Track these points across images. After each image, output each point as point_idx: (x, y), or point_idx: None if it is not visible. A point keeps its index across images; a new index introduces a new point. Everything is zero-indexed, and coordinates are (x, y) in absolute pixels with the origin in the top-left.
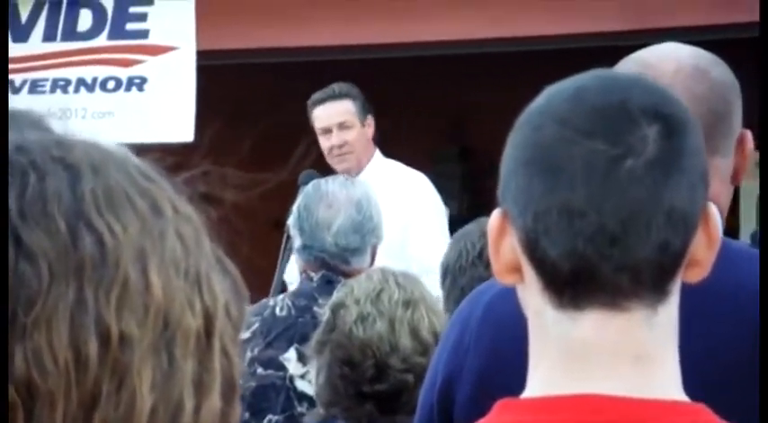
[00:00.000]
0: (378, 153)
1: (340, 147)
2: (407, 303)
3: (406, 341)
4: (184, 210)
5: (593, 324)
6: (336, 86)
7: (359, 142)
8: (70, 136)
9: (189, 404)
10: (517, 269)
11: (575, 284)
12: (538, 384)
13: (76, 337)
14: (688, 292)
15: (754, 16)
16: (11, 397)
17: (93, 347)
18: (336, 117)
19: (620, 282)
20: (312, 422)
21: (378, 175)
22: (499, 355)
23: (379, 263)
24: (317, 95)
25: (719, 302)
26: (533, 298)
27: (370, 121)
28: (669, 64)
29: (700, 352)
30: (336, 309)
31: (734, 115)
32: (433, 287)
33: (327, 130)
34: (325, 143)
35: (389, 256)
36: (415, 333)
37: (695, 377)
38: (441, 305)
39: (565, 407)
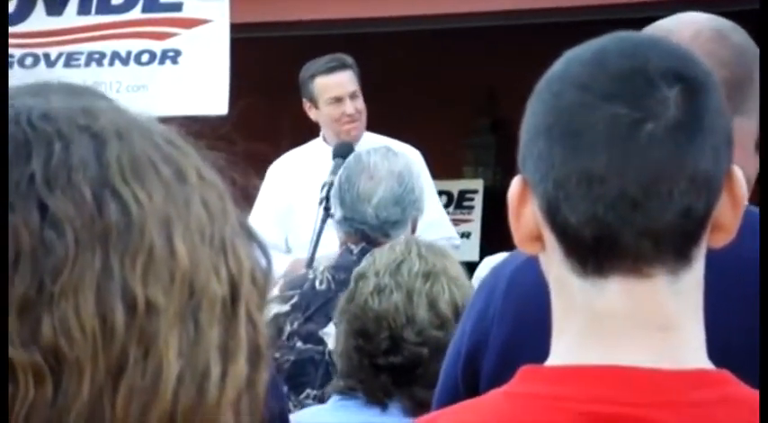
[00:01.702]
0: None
1: (352, 115)
2: (427, 275)
3: (423, 314)
4: (209, 176)
5: (617, 291)
6: (339, 56)
7: (365, 111)
8: (96, 104)
9: (215, 370)
10: (538, 238)
11: (597, 251)
12: (562, 352)
13: (103, 304)
14: (716, 266)
15: None
16: (39, 365)
17: (119, 315)
18: (348, 86)
19: (642, 247)
20: (333, 393)
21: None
22: (524, 325)
23: None
24: (319, 66)
25: (744, 274)
26: (555, 266)
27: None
28: (688, 29)
29: (729, 326)
30: (357, 279)
31: (754, 80)
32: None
33: (339, 99)
34: (334, 112)
35: None
36: (432, 305)
37: (722, 352)
38: (465, 278)
39: (590, 377)
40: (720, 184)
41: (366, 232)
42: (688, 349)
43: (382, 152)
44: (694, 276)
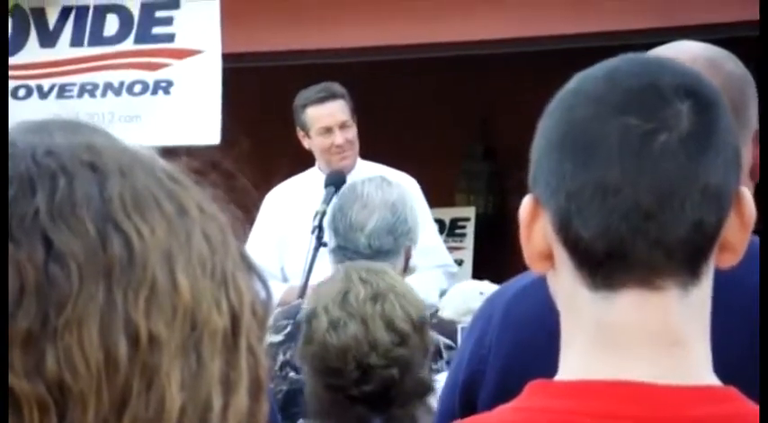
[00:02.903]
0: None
1: (341, 146)
2: (375, 297)
3: (383, 336)
4: (210, 210)
5: (627, 304)
6: (329, 86)
7: (356, 141)
8: (98, 140)
9: (217, 403)
10: (548, 256)
11: (608, 264)
12: (572, 366)
13: (107, 338)
14: (722, 288)
15: None
16: (43, 397)
17: (122, 348)
18: (338, 116)
19: (654, 260)
20: None
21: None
22: (521, 353)
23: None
24: (310, 95)
25: (748, 295)
26: (566, 281)
27: (355, 120)
28: (684, 57)
29: (732, 346)
30: (309, 319)
31: (749, 108)
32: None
33: (329, 130)
34: (324, 142)
35: None
36: (390, 325)
37: (730, 370)
38: (412, 291)
39: (601, 392)
40: (730, 201)
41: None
42: (696, 365)
43: (377, 182)
44: (703, 292)
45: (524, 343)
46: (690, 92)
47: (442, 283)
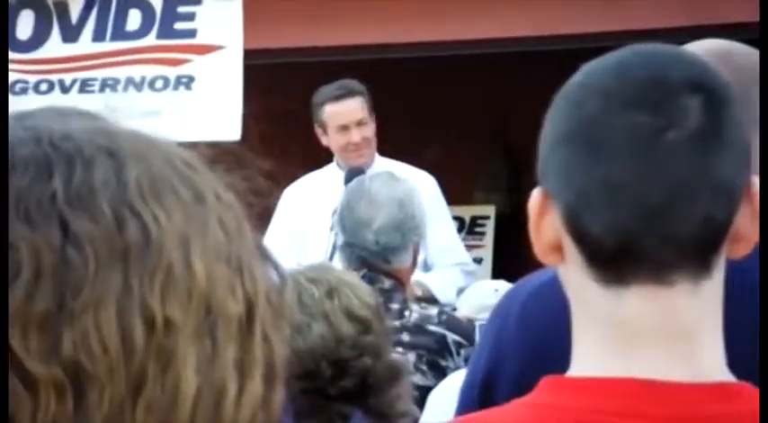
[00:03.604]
0: (377, 154)
1: (358, 144)
2: (330, 293)
3: (347, 328)
4: (226, 198)
5: (638, 299)
6: (347, 83)
7: (373, 138)
8: (115, 125)
9: (232, 388)
10: (558, 249)
11: (619, 259)
12: (584, 362)
13: (123, 321)
14: (737, 287)
15: None
16: (60, 380)
17: (138, 332)
18: (355, 114)
19: (664, 255)
20: None
21: None
22: (538, 352)
23: None
24: (329, 92)
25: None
26: (576, 276)
27: (374, 117)
28: (698, 48)
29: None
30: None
31: (754, 101)
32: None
33: (345, 127)
34: (341, 139)
35: None
36: (351, 316)
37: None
38: (357, 277)
39: (613, 389)
40: (741, 195)
41: (366, 258)
42: (709, 360)
43: (384, 178)
44: (714, 285)
45: (541, 341)
46: (699, 86)
47: (460, 282)
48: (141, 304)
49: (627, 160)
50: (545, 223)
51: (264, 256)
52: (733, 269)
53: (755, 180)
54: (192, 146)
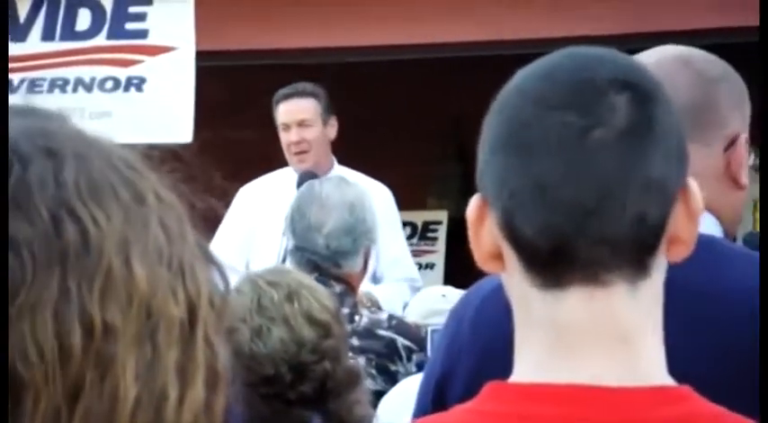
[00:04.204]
0: (335, 162)
1: (297, 143)
2: (290, 297)
3: (307, 332)
4: (168, 198)
5: (576, 301)
6: (302, 85)
7: (317, 142)
8: (54, 125)
9: (173, 393)
10: (498, 256)
11: (554, 262)
12: (527, 368)
13: (60, 327)
14: (681, 296)
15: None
16: None
17: (76, 338)
18: (298, 114)
19: (598, 256)
20: None
21: None
22: (491, 354)
23: None
24: (282, 91)
25: (714, 304)
26: (516, 282)
27: (334, 122)
28: (651, 57)
29: (700, 355)
30: (229, 335)
31: (721, 108)
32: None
33: (287, 126)
34: (283, 138)
35: None
36: (311, 320)
37: (695, 380)
38: (314, 281)
39: (554, 396)
40: (674, 194)
41: (317, 263)
42: (649, 364)
43: (335, 182)
44: (653, 287)
45: (495, 344)
46: (626, 84)
47: (406, 297)
48: (80, 309)
49: (555, 161)
50: (483, 230)
51: (208, 258)
52: (673, 270)
53: (692, 182)
54: (149, 148)
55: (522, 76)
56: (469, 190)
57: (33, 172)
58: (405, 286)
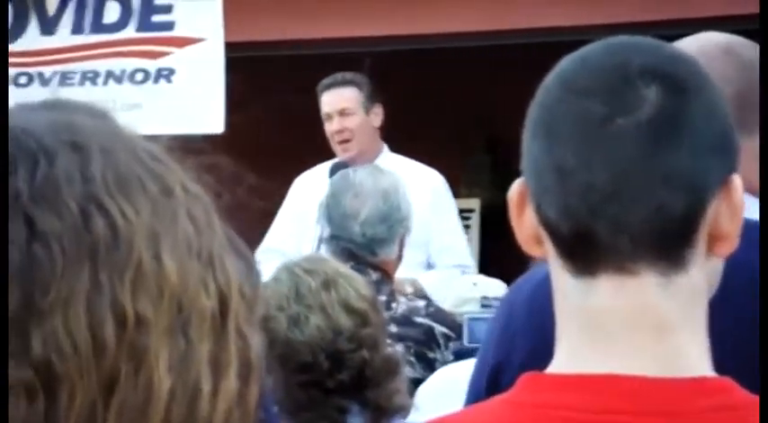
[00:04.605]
0: (386, 149)
1: (340, 132)
2: (327, 285)
3: (344, 321)
4: (194, 190)
5: (606, 289)
6: (343, 74)
7: (360, 130)
8: (79, 119)
9: (206, 385)
10: (539, 240)
11: (580, 248)
12: (563, 358)
13: (93, 319)
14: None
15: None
16: (31, 381)
17: (109, 330)
18: (339, 103)
19: (620, 244)
20: None
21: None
22: (546, 341)
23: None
24: (323, 82)
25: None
26: (553, 267)
27: (378, 110)
28: (692, 45)
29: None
30: (266, 323)
31: (758, 92)
32: (466, 282)
33: (330, 116)
34: (327, 129)
35: (413, 251)
36: (348, 309)
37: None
38: (351, 270)
39: (590, 386)
40: (706, 188)
41: (353, 251)
42: (687, 355)
43: (368, 170)
44: (691, 282)
45: (548, 331)
46: (660, 74)
47: (456, 283)
48: (112, 301)
49: (575, 146)
50: (525, 213)
51: (237, 249)
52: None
53: (736, 178)
54: (173, 139)
55: (564, 59)
56: (500, 179)
57: (60, 166)
58: (455, 273)
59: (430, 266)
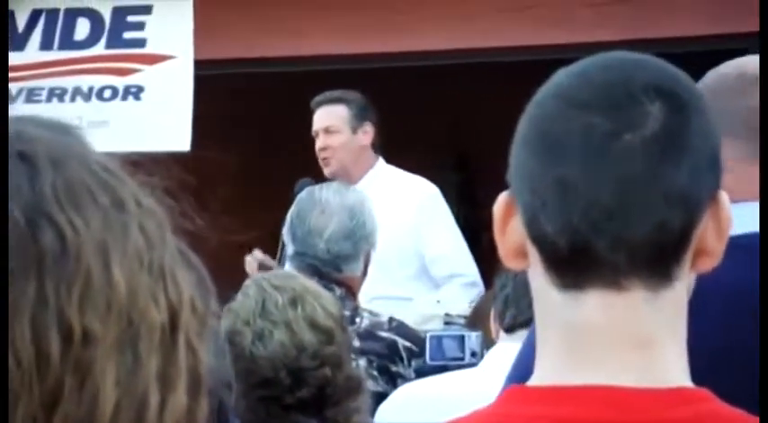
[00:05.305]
0: (380, 161)
1: (322, 150)
2: (294, 301)
3: (309, 337)
4: (147, 204)
5: (594, 304)
6: (333, 92)
7: (342, 148)
8: (29, 129)
9: (154, 400)
10: (523, 253)
11: (574, 262)
12: (545, 370)
13: (38, 334)
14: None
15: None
16: None
17: (55, 345)
18: (324, 121)
19: (617, 259)
20: None
21: (379, 183)
22: None
23: (391, 270)
24: (316, 99)
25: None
26: (537, 280)
27: (368, 128)
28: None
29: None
30: (232, 337)
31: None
32: (464, 289)
33: (316, 134)
34: (316, 146)
35: (402, 263)
36: (314, 325)
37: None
38: (321, 288)
39: (572, 398)
40: (699, 205)
41: (318, 267)
42: (667, 367)
43: (334, 187)
44: (675, 296)
45: None
46: (662, 91)
47: (462, 295)
48: (58, 315)
49: (579, 161)
50: (510, 226)
51: (189, 262)
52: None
53: (723, 194)
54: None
55: (555, 76)
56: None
57: (9, 177)
58: (455, 286)
59: (426, 279)
